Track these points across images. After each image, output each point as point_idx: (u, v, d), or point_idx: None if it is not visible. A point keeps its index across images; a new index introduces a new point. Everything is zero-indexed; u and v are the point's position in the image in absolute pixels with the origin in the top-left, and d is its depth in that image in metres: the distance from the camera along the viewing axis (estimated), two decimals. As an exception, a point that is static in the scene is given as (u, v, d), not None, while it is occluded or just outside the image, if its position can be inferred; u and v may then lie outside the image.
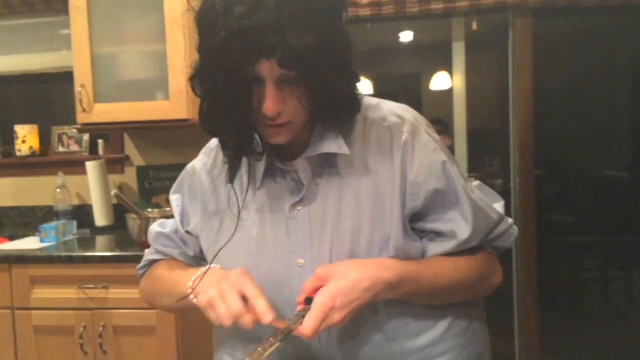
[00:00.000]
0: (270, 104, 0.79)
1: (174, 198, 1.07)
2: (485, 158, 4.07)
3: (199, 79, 0.84)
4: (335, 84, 0.81)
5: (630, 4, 2.32)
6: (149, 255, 1.10)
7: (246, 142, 0.87)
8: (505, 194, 2.68)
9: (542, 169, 2.99)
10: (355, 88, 0.87)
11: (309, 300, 0.79)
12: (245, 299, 0.79)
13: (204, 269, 0.90)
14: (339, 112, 0.87)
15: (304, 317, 0.77)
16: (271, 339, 0.76)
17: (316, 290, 0.79)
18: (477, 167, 3.83)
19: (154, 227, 1.09)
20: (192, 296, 0.87)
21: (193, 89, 0.87)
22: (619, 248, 3.90)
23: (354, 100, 0.88)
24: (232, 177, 0.92)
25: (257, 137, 0.89)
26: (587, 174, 4.28)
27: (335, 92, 0.82)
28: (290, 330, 0.77)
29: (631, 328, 3.44)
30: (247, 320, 0.77)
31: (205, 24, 0.78)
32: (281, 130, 0.84)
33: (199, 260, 1.05)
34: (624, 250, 3.87)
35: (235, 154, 0.88)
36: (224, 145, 0.90)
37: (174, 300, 0.93)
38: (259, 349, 0.75)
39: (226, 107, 0.81)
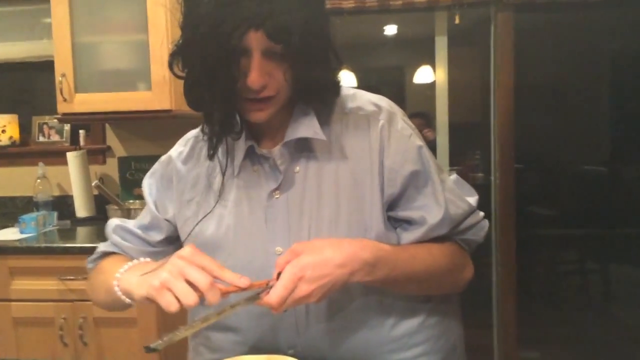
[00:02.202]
0: (255, 76, 0.80)
1: (147, 184, 1.06)
2: (466, 151, 4.11)
3: (182, 55, 0.84)
4: (319, 62, 0.83)
5: (610, 1, 2.35)
6: (102, 247, 1.07)
7: (229, 116, 0.87)
8: (486, 188, 2.73)
9: (522, 163, 3.02)
10: (337, 71, 0.89)
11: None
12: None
13: (134, 261, 0.88)
14: (320, 92, 0.88)
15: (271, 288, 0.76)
16: (232, 303, 0.75)
17: None
18: (459, 160, 3.87)
19: (114, 220, 1.07)
20: (116, 287, 0.84)
21: (171, 66, 0.87)
22: (597, 241, 3.96)
23: (335, 83, 0.90)
24: (212, 153, 0.92)
25: (237, 116, 0.89)
26: (567, 168, 4.34)
27: (318, 70, 0.83)
28: (256, 297, 0.76)
29: (608, 320, 3.51)
30: (216, 292, 0.73)
31: None
32: (263, 106, 0.85)
33: (158, 252, 1.02)
34: (602, 243, 3.94)
35: (218, 129, 0.88)
36: (207, 119, 0.89)
37: (105, 293, 0.90)
38: (219, 309, 0.73)
39: (212, 78, 0.81)
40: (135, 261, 0.89)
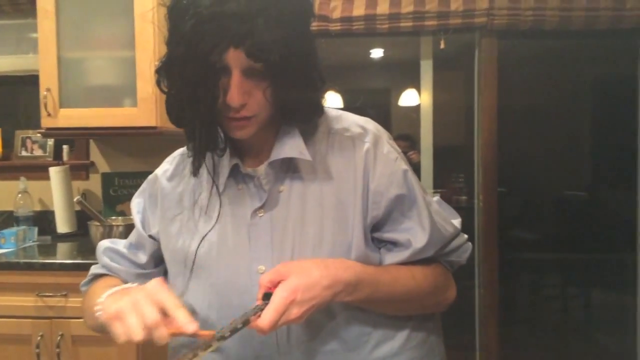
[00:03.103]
0: (234, 94, 0.80)
1: (135, 202, 1.06)
2: (450, 174, 4.14)
3: (166, 71, 0.85)
4: (300, 82, 0.83)
5: (591, 29, 2.41)
6: (93, 269, 1.07)
7: (211, 133, 0.87)
8: (469, 210, 2.75)
9: (505, 187, 3.05)
10: (319, 90, 0.89)
11: (266, 297, 0.78)
12: (162, 312, 0.72)
13: (118, 286, 0.86)
14: (302, 111, 0.88)
15: (261, 310, 0.75)
16: (221, 332, 0.73)
17: (274, 285, 0.78)
18: (443, 183, 3.90)
19: (104, 242, 1.07)
20: (99, 312, 0.81)
21: (158, 83, 0.87)
22: (578, 266, 3.99)
23: (317, 102, 0.90)
24: (195, 170, 0.92)
25: (221, 133, 0.89)
26: (549, 193, 4.38)
27: (299, 89, 0.84)
28: (246, 322, 0.75)
29: (589, 344, 3.52)
30: (162, 332, 0.70)
31: (176, 13, 0.79)
32: (244, 124, 0.85)
33: (144, 274, 1.02)
34: (583, 268, 3.97)
35: (200, 145, 0.88)
36: (189, 135, 0.89)
37: (91, 316, 0.88)
38: (207, 342, 0.72)
39: (193, 95, 0.81)
40: (122, 286, 0.87)
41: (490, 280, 2.59)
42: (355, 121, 0.97)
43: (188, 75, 0.79)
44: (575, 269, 3.99)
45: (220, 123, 0.87)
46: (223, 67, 0.80)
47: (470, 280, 2.64)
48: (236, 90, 0.80)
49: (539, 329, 3.80)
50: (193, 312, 0.92)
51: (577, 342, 3.55)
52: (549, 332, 3.74)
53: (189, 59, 0.78)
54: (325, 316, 0.88)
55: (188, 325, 0.71)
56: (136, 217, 1.04)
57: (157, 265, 1.04)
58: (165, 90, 0.88)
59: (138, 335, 0.70)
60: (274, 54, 0.76)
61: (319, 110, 0.92)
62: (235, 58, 0.78)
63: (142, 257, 1.03)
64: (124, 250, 1.05)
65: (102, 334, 0.96)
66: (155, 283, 0.77)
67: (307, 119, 0.91)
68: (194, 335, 0.72)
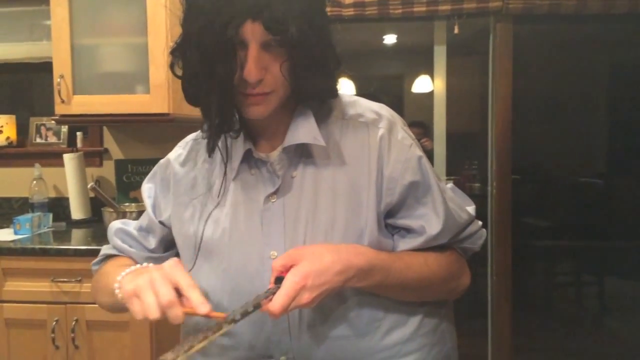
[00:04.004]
0: (252, 68, 0.80)
1: (146, 187, 1.06)
2: (464, 161, 4.11)
3: (182, 50, 0.84)
4: (317, 58, 0.82)
5: (608, 13, 2.36)
6: (105, 249, 1.08)
7: (227, 111, 0.86)
8: (482, 198, 2.73)
9: (519, 174, 3.02)
10: (335, 70, 0.88)
11: (278, 280, 0.78)
12: (177, 291, 0.74)
13: (136, 265, 0.87)
14: (317, 90, 0.87)
15: (273, 294, 0.76)
16: (232, 315, 0.74)
17: (286, 269, 0.78)
18: (456, 170, 3.88)
19: (115, 223, 1.08)
20: (117, 290, 0.83)
21: (172, 66, 0.87)
22: (593, 253, 3.97)
23: (333, 81, 0.89)
24: (210, 150, 0.91)
25: (236, 114, 0.89)
26: (563, 180, 4.35)
27: (315, 65, 0.83)
28: (257, 305, 0.76)
29: (602, 332, 3.50)
30: (177, 312, 0.73)
31: None
32: (260, 100, 0.84)
33: (153, 257, 1.03)
34: (597, 255, 3.94)
35: (216, 124, 0.87)
36: (205, 113, 0.88)
37: (107, 295, 0.91)
38: (218, 324, 0.73)
39: (210, 70, 0.80)
40: (138, 265, 0.88)
41: (504, 268, 2.57)
42: (369, 107, 0.96)
43: (205, 51, 0.79)
44: (590, 257, 3.96)
45: (236, 102, 0.86)
46: (240, 41, 0.79)
47: (483, 268, 2.63)
48: (253, 64, 0.80)
49: (552, 316, 3.79)
50: (205, 297, 0.92)
51: (591, 330, 3.54)
52: (562, 320, 3.73)
53: (206, 34, 0.77)
54: (337, 301, 0.88)
55: (201, 305, 0.73)
56: (147, 202, 1.05)
57: (167, 249, 1.05)
58: (179, 74, 0.87)
59: (154, 313, 0.72)
60: (291, 27, 0.76)
61: (334, 90, 0.91)
62: (252, 31, 0.78)
63: (152, 242, 1.04)
64: (135, 232, 1.05)
65: (114, 312, 0.99)
66: (172, 263, 0.78)
67: (321, 98, 0.90)
68: (206, 316, 0.73)
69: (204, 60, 0.80)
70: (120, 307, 0.89)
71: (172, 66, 0.88)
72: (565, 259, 4.06)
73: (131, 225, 1.07)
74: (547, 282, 4.03)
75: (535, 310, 3.84)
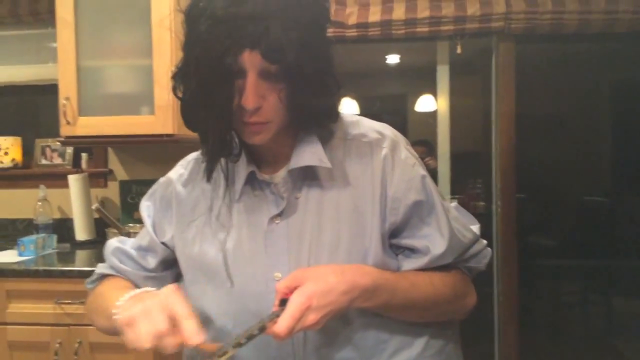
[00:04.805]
0: (250, 96, 0.80)
1: (145, 205, 1.05)
2: (468, 180, 4.10)
3: (182, 75, 0.85)
4: (316, 85, 0.82)
5: (610, 32, 2.38)
6: (101, 269, 1.06)
7: (225, 137, 0.86)
8: (487, 217, 2.72)
9: (523, 193, 3.02)
10: (335, 94, 0.88)
11: (283, 302, 0.77)
12: (173, 320, 0.72)
13: (136, 290, 0.86)
14: (317, 116, 0.87)
15: (278, 316, 0.75)
16: (237, 339, 0.73)
17: (291, 291, 0.77)
18: (460, 189, 3.86)
19: (112, 242, 1.06)
20: (116, 317, 0.80)
21: (174, 89, 0.87)
22: (599, 273, 3.93)
23: (333, 107, 0.89)
24: (208, 175, 0.91)
25: (235, 138, 0.89)
26: (568, 199, 4.33)
27: (314, 93, 0.83)
28: (263, 328, 0.75)
29: (609, 352, 3.46)
30: (170, 341, 0.71)
31: (192, 16, 0.79)
32: (259, 129, 0.84)
33: (152, 277, 1.01)
34: (604, 274, 3.91)
35: (213, 150, 0.87)
36: (203, 139, 0.89)
37: (105, 318, 0.89)
38: (224, 349, 0.71)
39: (208, 97, 0.80)
40: (137, 290, 0.87)
41: (510, 287, 2.55)
42: (372, 127, 0.96)
43: (203, 78, 0.79)
44: (596, 276, 3.93)
45: (235, 128, 0.86)
46: (238, 69, 0.79)
47: (489, 287, 2.61)
48: (251, 92, 0.80)
49: (559, 336, 3.75)
50: (209, 320, 0.91)
51: (599, 350, 3.49)
52: (569, 339, 3.69)
53: (204, 61, 0.78)
54: (342, 323, 0.88)
55: (193, 337, 0.71)
56: (147, 221, 1.03)
57: (166, 269, 1.03)
58: (181, 95, 0.88)
59: (146, 343, 0.71)
60: (289, 55, 0.76)
61: (334, 115, 0.91)
62: (250, 60, 0.78)
63: (152, 262, 1.02)
64: (133, 252, 1.03)
65: (109, 334, 0.97)
66: (170, 290, 0.76)
67: (322, 123, 0.90)
68: (199, 347, 0.72)
69: (202, 87, 0.80)
70: (116, 331, 0.88)
71: (174, 89, 0.88)
72: (571, 278, 4.02)
73: (128, 244, 1.05)
74: (553, 302, 3.99)
75: (542, 330, 3.79)
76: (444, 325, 0.98)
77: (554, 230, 4.21)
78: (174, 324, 0.72)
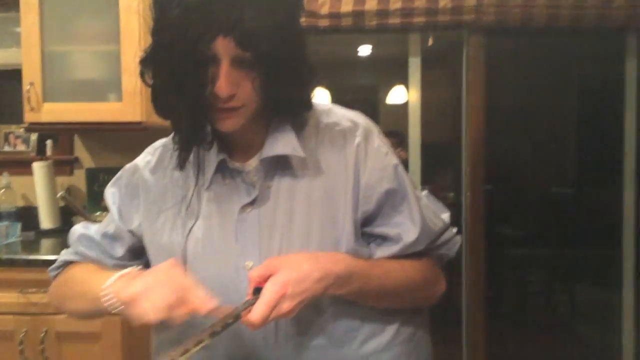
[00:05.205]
0: (223, 84, 0.79)
1: (110, 192, 1.03)
2: (438, 171, 4.15)
3: (151, 61, 0.83)
4: (290, 73, 0.82)
5: (578, 26, 2.42)
6: (65, 255, 1.04)
7: (197, 125, 0.85)
8: (456, 207, 2.76)
9: (491, 183, 3.06)
10: (309, 83, 0.88)
11: (256, 291, 0.77)
12: (179, 292, 0.74)
13: (123, 271, 0.86)
14: (291, 104, 0.87)
15: (252, 305, 0.75)
16: (212, 327, 0.73)
17: (264, 279, 0.77)
18: (430, 179, 3.90)
19: (77, 228, 1.04)
20: (105, 297, 0.82)
21: (142, 75, 0.86)
22: (564, 262, 4.03)
23: (306, 95, 0.89)
24: (181, 163, 0.90)
25: (207, 126, 0.88)
26: (535, 189, 4.42)
27: (288, 81, 0.82)
28: (237, 317, 0.74)
29: (574, 339, 3.55)
30: (179, 312, 0.72)
31: (162, 0, 0.78)
32: (232, 114, 0.83)
33: (121, 265, 0.99)
34: (568, 263, 4.01)
35: (186, 138, 0.86)
36: (175, 127, 0.88)
37: (86, 301, 0.89)
38: (198, 338, 0.71)
39: (180, 84, 0.79)
40: (125, 270, 0.86)
41: (477, 276, 2.60)
42: (345, 115, 0.96)
43: (175, 65, 0.78)
44: (561, 265, 4.03)
45: (207, 115, 0.85)
46: (211, 56, 0.78)
47: (457, 276, 2.65)
48: (225, 80, 0.79)
49: (525, 323, 3.83)
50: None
51: (563, 337, 3.58)
52: (535, 327, 3.78)
53: (176, 48, 0.76)
54: (314, 312, 0.88)
55: (206, 303, 0.72)
56: (112, 208, 1.01)
57: (134, 259, 1.01)
58: (150, 82, 0.86)
59: (154, 315, 0.72)
60: (263, 42, 0.75)
61: (308, 103, 0.91)
62: (224, 47, 0.77)
63: (119, 250, 1.00)
64: (98, 238, 1.01)
65: (87, 318, 0.99)
66: (169, 264, 0.77)
67: (295, 112, 0.90)
68: (213, 313, 0.72)
69: (174, 74, 0.79)
70: (98, 314, 0.89)
71: (142, 74, 0.87)
72: (537, 267, 4.12)
73: (92, 230, 1.03)
74: (519, 290, 4.08)
75: (508, 318, 3.88)
76: (414, 313, 0.99)
77: (521, 220, 4.29)
78: (179, 296, 0.73)
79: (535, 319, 3.96)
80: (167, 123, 0.89)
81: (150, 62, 0.84)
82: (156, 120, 0.90)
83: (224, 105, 0.82)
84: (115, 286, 0.82)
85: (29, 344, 1.90)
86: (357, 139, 0.92)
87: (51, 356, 1.90)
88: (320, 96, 4.40)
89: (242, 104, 0.83)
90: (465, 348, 2.66)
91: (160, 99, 0.85)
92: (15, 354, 1.90)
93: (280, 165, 0.90)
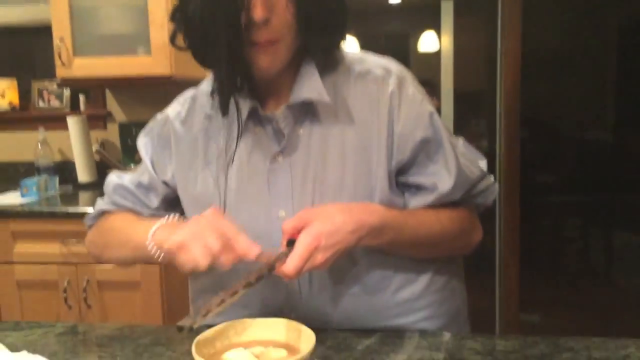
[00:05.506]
0: (258, 7, 0.77)
1: (143, 142, 1.03)
2: (470, 120, 4.08)
3: (183, 8, 0.83)
4: (324, 2, 0.81)
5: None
6: (101, 205, 1.05)
7: (237, 61, 0.83)
8: (490, 156, 2.71)
9: (526, 131, 3.00)
10: (342, 17, 0.86)
11: (290, 243, 0.77)
12: (224, 239, 0.74)
13: (164, 219, 0.88)
14: (326, 32, 0.85)
15: (286, 256, 0.75)
16: (247, 279, 0.74)
17: (297, 231, 0.77)
18: (463, 128, 3.84)
19: (112, 179, 1.05)
20: (150, 245, 0.84)
21: (173, 37, 0.85)
22: (600, 208, 3.97)
23: (341, 25, 0.87)
24: (223, 109, 0.89)
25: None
26: (571, 136, 4.32)
27: (322, 10, 0.82)
28: (272, 268, 0.75)
29: (609, 286, 3.53)
30: (226, 259, 0.74)
31: None
32: (269, 50, 0.82)
33: (156, 215, 0.99)
34: (605, 210, 3.94)
35: (227, 81, 0.85)
36: (216, 73, 0.87)
37: (129, 250, 0.91)
38: (233, 289, 0.72)
39: (213, 15, 0.78)
40: (164, 219, 0.88)
41: (512, 224, 2.58)
42: (377, 62, 0.94)
43: (209, 3, 0.77)
44: (597, 211, 3.97)
45: (244, 52, 0.82)
46: None
47: (491, 224, 2.63)
48: (260, 3, 0.77)
49: (559, 271, 3.81)
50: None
51: (597, 284, 3.56)
52: (569, 274, 3.75)
53: None
54: (347, 262, 0.88)
55: (251, 249, 0.73)
56: (146, 159, 1.02)
57: (169, 209, 1.01)
58: (181, 44, 0.85)
59: (202, 263, 0.73)
60: None
61: (342, 34, 0.89)
62: None
63: (154, 201, 1.01)
64: (133, 188, 1.02)
65: (128, 266, 1.02)
66: (212, 212, 0.78)
67: (328, 48, 0.88)
68: (258, 259, 0.74)
69: (208, 9, 0.78)
70: (140, 262, 0.92)
71: (172, 36, 0.86)
72: (573, 215, 4.06)
73: (126, 179, 1.03)
74: (554, 238, 4.04)
75: (542, 265, 3.85)
76: (449, 261, 0.98)
77: (557, 167, 4.21)
78: (225, 243, 0.74)
79: (570, 266, 3.93)
80: (196, 76, 0.88)
81: (181, 10, 0.83)
82: (185, 73, 0.90)
83: (261, 38, 0.80)
84: (159, 234, 0.84)
85: (72, 292, 1.98)
86: (391, 87, 0.89)
87: (93, 304, 1.98)
88: (349, 45, 4.31)
89: (277, 34, 0.81)
90: (499, 295, 2.67)
91: (197, 45, 0.84)
92: (60, 302, 1.99)
93: (310, 112, 0.89)
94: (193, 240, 0.74)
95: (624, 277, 3.58)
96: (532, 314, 2.96)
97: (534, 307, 3.00)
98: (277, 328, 0.76)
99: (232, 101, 0.89)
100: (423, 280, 0.94)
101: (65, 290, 1.97)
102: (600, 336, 0.84)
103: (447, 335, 0.88)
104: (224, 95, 0.87)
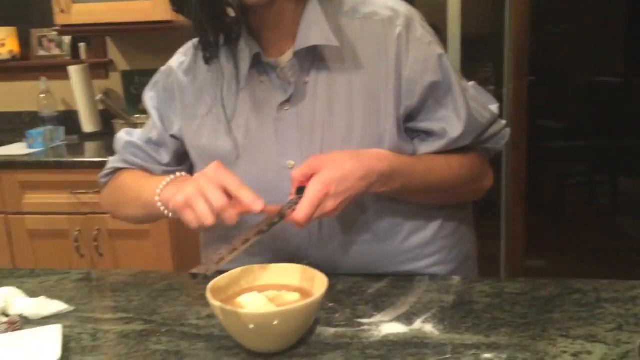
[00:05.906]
0: None
1: (149, 97, 1.01)
2: (478, 64, 4.00)
3: None
4: None
5: None
6: (114, 162, 1.04)
7: (218, 9, 0.79)
8: (497, 100, 2.67)
9: (534, 75, 2.94)
10: None
11: (300, 190, 0.77)
12: (226, 193, 0.74)
13: (171, 176, 0.87)
14: None
15: (296, 204, 0.75)
16: (258, 227, 0.74)
17: (307, 179, 0.77)
18: (470, 73, 3.78)
19: (122, 136, 1.04)
20: (159, 202, 0.84)
21: None
22: (606, 153, 3.95)
23: None
24: (207, 59, 0.87)
25: (232, 13, 0.82)
26: (580, 79, 4.24)
27: None
28: (282, 216, 0.75)
29: (614, 231, 3.55)
30: (231, 213, 0.73)
31: None
32: None
33: (168, 171, 0.99)
34: (610, 155, 3.92)
35: (207, 27, 0.82)
36: (195, 23, 0.82)
37: (139, 207, 0.92)
38: (244, 237, 0.73)
39: None
40: (171, 176, 0.88)
41: (518, 169, 2.57)
42: (384, 3, 0.90)
43: None
44: (603, 157, 3.95)
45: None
46: None
47: (497, 169, 2.62)
48: None
49: (564, 216, 3.83)
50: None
51: (602, 229, 3.58)
52: (574, 219, 3.77)
53: None
54: (357, 209, 0.88)
55: (255, 203, 0.73)
56: (153, 113, 1.00)
57: (180, 163, 1.01)
58: None
59: (209, 219, 0.73)
60: None
61: None
62: None
63: (165, 156, 1.00)
64: (143, 145, 1.01)
65: (142, 223, 1.02)
66: (214, 166, 0.76)
67: None
68: (261, 213, 0.73)
69: None
70: (152, 218, 0.93)
71: None
72: (578, 160, 4.05)
73: (136, 136, 1.02)
74: (560, 183, 4.04)
75: (548, 210, 3.87)
76: (458, 208, 0.98)
77: (564, 112, 4.16)
78: (229, 197, 0.74)
79: (575, 211, 3.94)
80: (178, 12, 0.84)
81: None
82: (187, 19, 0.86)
83: None
84: (166, 192, 0.83)
85: (83, 241, 2.01)
86: (398, 29, 0.86)
87: (105, 252, 2.01)
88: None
89: None
90: (504, 239, 2.69)
91: None
92: (71, 251, 2.02)
93: (317, 59, 0.87)
94: (196, 197, 0.74)
95: (628, 221, 3.60)
96: (537, 260, 2.99)
97: (539, 252, 3.03)
98: (290, 273, 0.78)
99: (232, 50, 0.87)
100: (433, 226, 0.94)
101: (76, 240, 2.00)
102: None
103: (456, 279, 0.89)
104: (205, 44, 0.85)
